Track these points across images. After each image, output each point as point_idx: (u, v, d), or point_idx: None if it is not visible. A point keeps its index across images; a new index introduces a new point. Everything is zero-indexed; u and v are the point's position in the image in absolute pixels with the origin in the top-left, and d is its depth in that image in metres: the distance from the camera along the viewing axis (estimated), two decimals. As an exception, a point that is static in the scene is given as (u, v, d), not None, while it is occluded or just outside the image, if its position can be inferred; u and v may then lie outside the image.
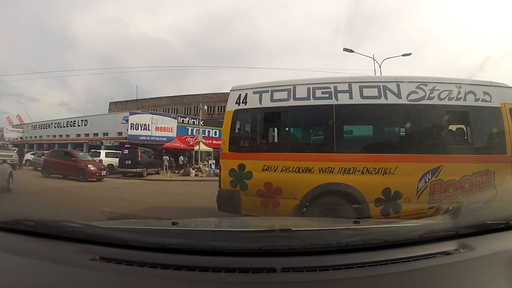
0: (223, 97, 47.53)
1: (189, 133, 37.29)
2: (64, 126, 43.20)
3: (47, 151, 31.15)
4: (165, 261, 1.64)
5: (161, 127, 35.75)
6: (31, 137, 47.52)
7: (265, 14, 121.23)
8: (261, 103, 6.49)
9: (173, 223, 2.33)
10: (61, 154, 21.94)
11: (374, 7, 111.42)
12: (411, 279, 1.58)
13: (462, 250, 1.82)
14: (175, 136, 36.11)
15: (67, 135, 42.17)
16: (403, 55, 27.89)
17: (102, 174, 20.80)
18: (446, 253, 1.78)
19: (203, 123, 36.48)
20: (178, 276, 1.54)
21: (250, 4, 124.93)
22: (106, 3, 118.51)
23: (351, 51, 26.93)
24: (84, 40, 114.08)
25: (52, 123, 45.44)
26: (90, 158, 22.62)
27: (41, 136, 45.83)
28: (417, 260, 1.69)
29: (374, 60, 26.91)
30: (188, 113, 50.03)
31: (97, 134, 38.18)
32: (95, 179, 19.83)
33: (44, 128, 46.60)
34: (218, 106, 51.36)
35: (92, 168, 20.15)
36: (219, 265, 1.59)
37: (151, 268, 1.58)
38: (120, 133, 34.97)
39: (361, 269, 1.60)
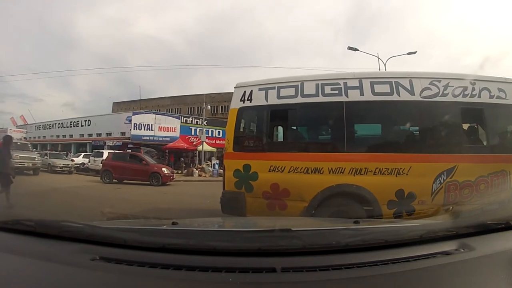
0: (227, 97, 47.72)
1: (193, 133, 37.27)
2: (67, 127, 43.32)
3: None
4: (165, 261, 1.64)
5: (164, 127, 35.70)
6: (34, 137, 47.62)
7: (269, 14, 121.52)
8: (267, 100, 6.21)
9: (173, 223, 2.33)
10: (127, 158, 20.87)
11: (377, 6, 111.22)
12: (411, 279, 1.58)
13: (462, 250, 1.81)
14: (178, 136, 36.08)
15: (71, 135, 42.32)
16: (408, 53, 27.24)
17: (173, 177, 20.49)
18: (446, 253, 1.77)
19: (206, 123, 36.42)
20: (178, 276, 1.54)
21: (253, 4, 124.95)
22: (109, 4, 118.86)
23: (356, 49, 26.72)
24: (87, 40, 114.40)
25: (55, 124, 45.59)
26: (155, 161, 22.30)
27: (44, 137, 45.99)
28: (417, 260, 1.68)
29: (379, 58, 26.59)
30: (192, 113, 50.09)
31: (100, 134, 38.23)
32: (169, 183, 19.50)
33: (47, 129, 46.75)
34: (222, 106, 51.46)
35: (167, 172, 19.76)
36: (219, 265, 1.59)
37: (151, 268, 1.58)
38: (123, 133, 34.98)
39: (361, 269, 1.60)
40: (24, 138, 46.92)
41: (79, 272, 1.56)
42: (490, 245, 1.92)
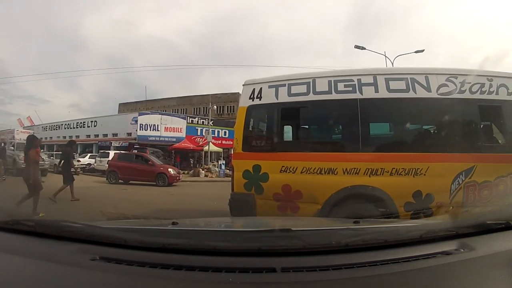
0: (232, 97, 47.94)
1: (199, 133, 37.40)
2: (74, 127, 43.62)
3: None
4: (165, 261, 1.64)
5: (170, 128, 35.88)
6: (41, 138, 47.71)
7: (274, 13, 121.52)
8: (277, 98, 5.93)
9: (173, 223, 2.33)
10: (133, 158, 21.05)
11: (383, 5, 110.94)
12: (411, 279, 1.57)
13: (462, 250, 1.80)
14: (185, 136, 36.25)
15: (77, 136, 42.44)
16: (416, 51, 26.72)
17: (179, 178, 20.50)
18: (446, 253, 1.76)
19: (212, 123, 36.55)
20: (178, 276, 1.55)
21: (258, 4, 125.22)
22: (115, 6, 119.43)
23: (363, 48, 26.48)
24: (93, 42, 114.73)
25: (62, 124, 45.86)
26: (161, 162, 22.31)
27: (51, 137, 46.10)
28: (417, 260, 1.68)
29: (386, 57, 26.29)
30: (198, 113, 50.13)
31: (107, 135, 38.46)
32: (175, 184, 19.52)
33: (54, 130, 46.93)
34: (228, 106, 51.65)
35: (173, 172, 19.77)
36: (219, 265, 1.59)
37: (151, 268, 1.59)
38: (129, 134, 35.20)
39: (361, 269, 1.60)
40: (31, 139, 47.13)
41: (79, 272, 1.57)
42: (490, 245, 1.91)
